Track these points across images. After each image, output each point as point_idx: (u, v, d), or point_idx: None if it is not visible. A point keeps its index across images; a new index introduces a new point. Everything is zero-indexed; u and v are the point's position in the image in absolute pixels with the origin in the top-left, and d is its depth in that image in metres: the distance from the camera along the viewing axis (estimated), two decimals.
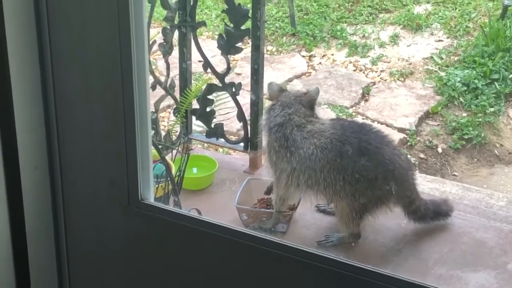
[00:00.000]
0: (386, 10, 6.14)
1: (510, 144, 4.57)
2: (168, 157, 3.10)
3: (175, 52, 3.36)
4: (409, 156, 4.35)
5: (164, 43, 3.23)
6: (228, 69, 3.25)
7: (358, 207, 2.85)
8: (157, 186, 2.83)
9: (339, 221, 2.94)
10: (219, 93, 3.31)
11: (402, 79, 5.25)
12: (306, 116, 2.90)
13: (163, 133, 3.36)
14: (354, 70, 5.40)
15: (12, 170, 2.03)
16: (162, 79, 3.32)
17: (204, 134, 3.47)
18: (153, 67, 4.44)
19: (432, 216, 3.03)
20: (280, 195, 2.95)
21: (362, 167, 2.80)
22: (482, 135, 4.56)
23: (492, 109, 4.77)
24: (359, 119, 4.71)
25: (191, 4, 3.23)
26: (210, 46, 4.67)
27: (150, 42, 3.03)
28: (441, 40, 5.69)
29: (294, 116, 2.89)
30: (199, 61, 3.28)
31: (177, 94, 3.40)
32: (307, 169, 2.83)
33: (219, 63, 3.59)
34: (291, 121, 2.88)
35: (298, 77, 5.33)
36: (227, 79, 3.27)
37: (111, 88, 1.95)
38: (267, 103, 3.06)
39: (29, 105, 2.02)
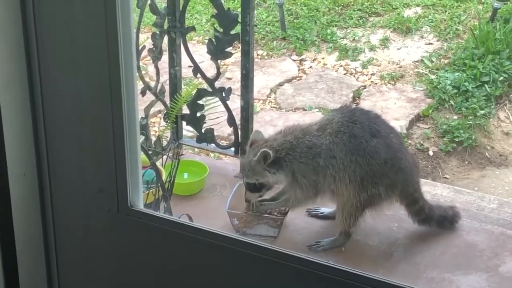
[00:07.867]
0: (376, 14, 6.14)
1: (501, 146, 4.58)
2: (158, 163, 3.08)
3: (165, 57, 3.35)
4: None
5: (154, 49, 3.22)
6: (218, 74, 3.24)
7: (363, 199, 2.84)
8: (147, 192, 2.82)
9: (340, 214, 2.91)
10: (209, 98, 3.31)
11: (393, 82, 5.25)
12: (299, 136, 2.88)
13: (153, 139, 3.35)
14: (345, 74, 5.39)
15: (1, 176, 2.02)
16: (152, 84, 3.31)
17: (195, 139, 3.46)
18: (143, 72, 4.42)
19: (437, 220, 3.03)
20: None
21: (373, 149, 2.81)
22: (473, 137, 4.56)
23: (482, 112, 4.78)
24: None
25: (180, 9, 3.22)
26: (200, 51, 4.66)
27: (140, 48, 3.02)
28: (431, 43, 5.69)
29: (293, 137, 2.88)
30: (189, 66, 3.28)
31: (167, 99, 3.39)
32: (330, 159, 2.82)
33: (209, 68, 3.58)
34: (298, 140, 2.86)
35: (289, 81, 5.32)
36: (217, 84, 3.26)
37: (99, 94, 1.95)
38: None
39: (17, 111, 2.01)
